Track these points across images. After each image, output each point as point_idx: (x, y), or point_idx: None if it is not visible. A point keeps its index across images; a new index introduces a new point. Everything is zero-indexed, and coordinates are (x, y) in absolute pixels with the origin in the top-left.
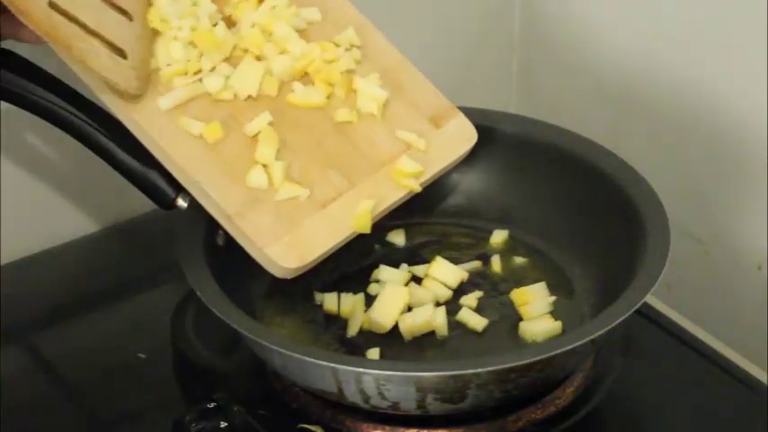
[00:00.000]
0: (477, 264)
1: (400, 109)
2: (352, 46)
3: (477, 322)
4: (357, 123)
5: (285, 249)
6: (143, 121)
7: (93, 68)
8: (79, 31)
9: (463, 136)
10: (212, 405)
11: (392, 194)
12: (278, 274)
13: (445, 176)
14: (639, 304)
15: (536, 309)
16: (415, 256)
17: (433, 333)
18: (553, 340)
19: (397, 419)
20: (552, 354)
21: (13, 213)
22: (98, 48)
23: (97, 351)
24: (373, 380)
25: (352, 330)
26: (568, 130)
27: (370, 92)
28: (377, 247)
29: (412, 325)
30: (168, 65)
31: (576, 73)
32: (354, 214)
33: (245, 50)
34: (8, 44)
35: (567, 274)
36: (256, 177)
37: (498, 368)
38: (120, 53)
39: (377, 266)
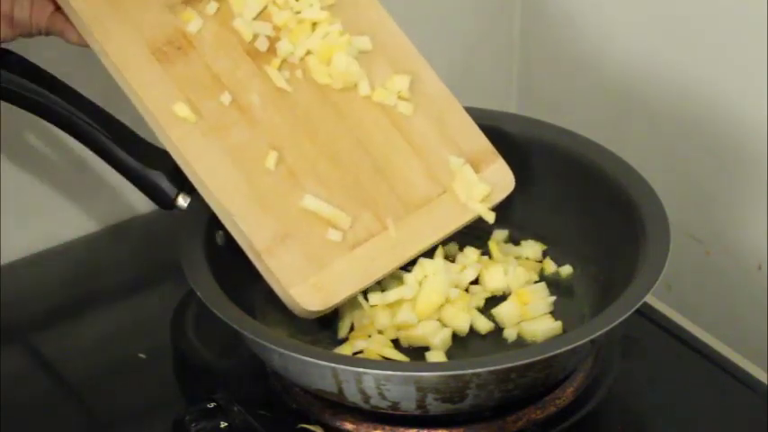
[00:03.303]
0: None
1: (441, 149)
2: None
3: (482, 325)
4: (397, 162)
5: (310, 291)
6: (181, 145)
7: None
8: None
9: (500, 184)
10: (212, 405)
11: (422, 241)
12: (299, 314)
13: None
14: (639, 304)
15: (536, 309)
16: None
17: None
18: (553, 340)
19: (397, 419)
20: (552, 354)
21: (13, 213)
22: None
23: (97, 351)
24: (373, 380)
25: (343, 332)
26: (568, 130)
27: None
28: None
29: (411, 336)
30: None
31: (576, 73)
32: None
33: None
34: (8, 44)
35: (568, 275)
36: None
37: (498, 368)
38: None
39: None
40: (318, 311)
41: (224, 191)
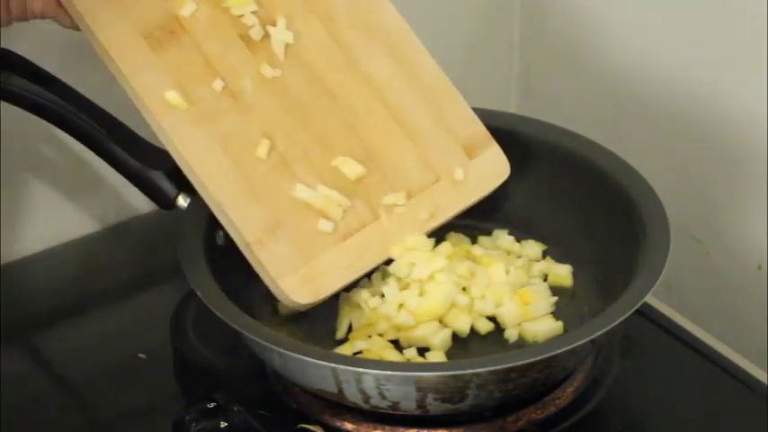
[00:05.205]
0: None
1: (436, 135)
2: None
3: (483, 325)
4: (391, 149)
5: (300, 283)
6: (172, 133)
7: None
8: None
9: (495, 170)
10: (212, 405)
11: (415, 231)
12: (289, 305)
13: None
14: (639, 304)
15: (538, 309)
16: None
17: None
18: (553, 340)
19: (397, 419)
20: (552, 354)
21: (13, 213)
22: None
23: (97, 351)
24: (373, 380)
25: (341, 333)
26: (568, 130)
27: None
28: None
29: (411, 337)
30: None
31: (576, 73)
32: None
33: None
34: (8, 44)
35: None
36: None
37: (498, 368)
38: None
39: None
40: (308, 304)
41: (214, 180)
